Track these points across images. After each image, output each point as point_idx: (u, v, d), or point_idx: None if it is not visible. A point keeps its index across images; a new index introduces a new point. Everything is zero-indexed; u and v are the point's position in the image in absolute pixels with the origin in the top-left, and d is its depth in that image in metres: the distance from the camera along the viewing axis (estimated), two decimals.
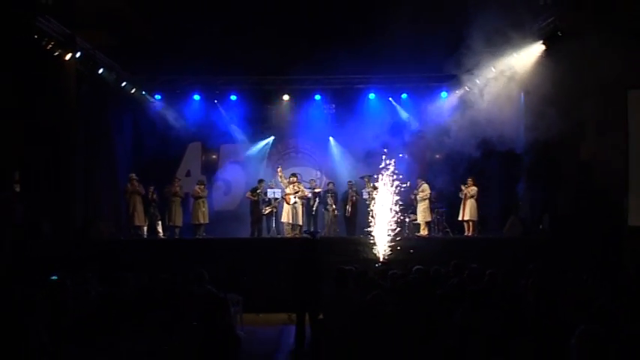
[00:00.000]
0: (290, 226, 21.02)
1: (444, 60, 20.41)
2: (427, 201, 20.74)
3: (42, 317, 7.45)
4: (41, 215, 17.92)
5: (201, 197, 21.53)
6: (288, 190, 21.17)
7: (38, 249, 16.46)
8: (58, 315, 8.22)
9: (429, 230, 20.86)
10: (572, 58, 16.19)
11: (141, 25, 22.34)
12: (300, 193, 21.25)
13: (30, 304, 7.96)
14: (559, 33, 17.49)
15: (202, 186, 21.84)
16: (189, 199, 21.87)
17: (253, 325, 14.90)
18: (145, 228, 21.27)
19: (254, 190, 21.56)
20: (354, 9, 20.27)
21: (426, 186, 20.79)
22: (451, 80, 22.24)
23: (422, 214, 20.68)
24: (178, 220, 21.53)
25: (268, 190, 21.71)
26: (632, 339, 5.37)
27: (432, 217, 20.91)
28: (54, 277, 11.38)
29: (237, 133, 24.24)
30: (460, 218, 20.84)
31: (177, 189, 21.73)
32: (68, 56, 18.47)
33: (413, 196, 20.50)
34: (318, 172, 24.02)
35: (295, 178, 21.61)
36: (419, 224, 20.94)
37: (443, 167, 21.57)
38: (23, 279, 11.21)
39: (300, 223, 21.19)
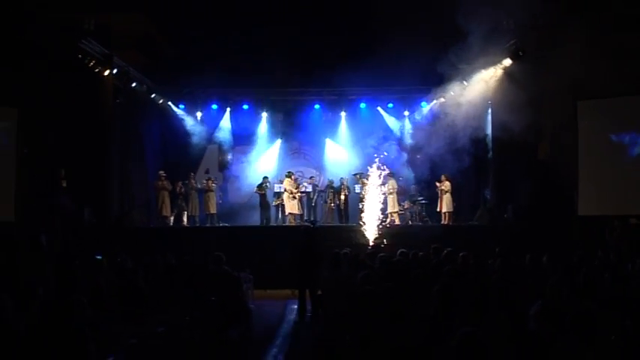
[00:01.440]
0: (293, 217, 21.11)
1: (424, 75, 20.51)
2: (394, 194, 20.81)
3: (85, 292, 7.48)
4: (83, 206, 18.01)
5: (211, 190, 21.63)
6: (288, 187, 21.26)
7: (82, 234, 16.52)
8: (98, 290, 8.25)
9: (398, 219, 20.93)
10: (532, 74, 16.25)
11: (167, 46, 22.41)
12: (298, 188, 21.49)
13: (75, 281, 8.01)
14: (520, 52, 17.54)
15: (210, 181, 21.92)
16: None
17: (262, 299, 14.91)
18: (172, 218, 21.31)
19: (260, 186, 21.61)
20: (349, 33, 20.35)
21: (392, 181, 20.82)
22: (430, 92, 22.24)
23: (389, 205, 20.70)
24: (195, 210, 21.62)
25: (275, 185, 21.80)
26: (578, 310, 5.42)
27: (398, 208, 20.88)
28: (98, 257, 11.44)
29: (249, 137, 24.22)
30: (438, 210, 20.89)
31: (194, 183, 21.82)
32: (106, 72, 18.56)
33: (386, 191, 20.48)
34: (317, 170, 23.98)
35: (294, 176, 21.72)
36: (404, 214, 21.03)
37: (423, 166, 21.59)
38: (70, 260, 11.25)
39: (297, 212, 21.30)
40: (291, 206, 21.13)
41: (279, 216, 21.83)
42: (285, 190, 21.20)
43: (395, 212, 20.73)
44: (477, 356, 4.74)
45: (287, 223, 20.99)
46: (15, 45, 17.12)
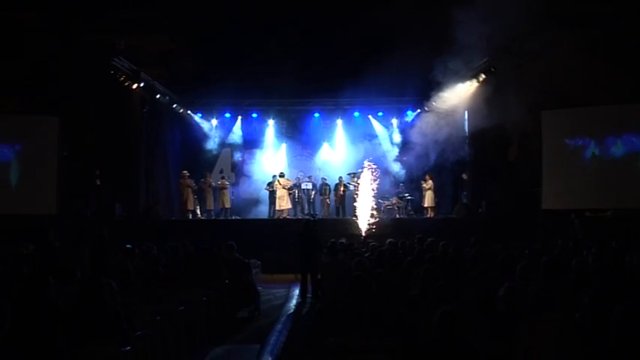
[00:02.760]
0: (283, 212, 21.20)
1: (410, 87, 20.65)
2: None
3: (116, 276, 7.50)
4: (115, 201, 18.08)
5: (224, 187, 21.67)
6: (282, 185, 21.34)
7: (114, 226, 16.54)
8: (128, 273, 8.26)
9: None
10: (502, 87, 16.26)
11: (187, 63, 22.46)
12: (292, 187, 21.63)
13: (108, 266, 8.03)
14: (492, 69, 17.56)
15: (223, 180, 21.99)
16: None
17: (269, 282, 14.92)
18: (192, 212, 21.35)
19: (270, 183, 21.63)
20: (345, 52, 20.43)
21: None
22: (414, 102, 22.40)
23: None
24: (211, 205, 21.66)
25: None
26: (542, 290, 5.46)
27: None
28: (128, 246, 11.47)
29: (257, 141, 24.27)
30: (422, 204, 20.93)
31: (210, 181, 21.88)
32: (135, 86, 18.56)
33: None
34: (316, 170, 23.92)
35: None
36: (391, 208, 21.08)
37: (408, 166, 21.62)
38: (104, 248, 11.27)
39: (287, 207, 21.29)
40: (281, 203, 21.13)
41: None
42: (280, 188, 21.26)
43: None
44: (454, 331, 4.78)
45: (290, 216, 21.09)
46: (56, 64, 17.28)
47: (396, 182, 22.00)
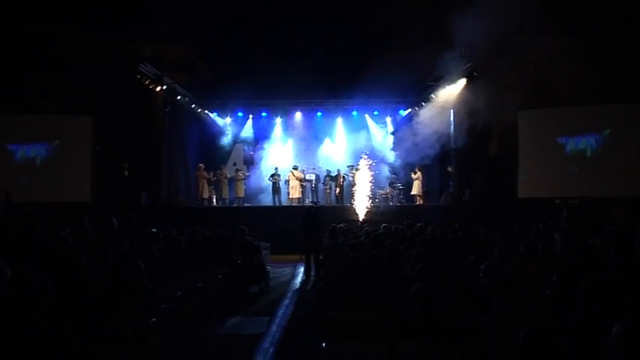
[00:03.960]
0: (293, 200, 21.32)
1: (402, 90, 20.67)
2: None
3: (143, 257, 7.54)
4: (141, 191, 18.18)
5: (240, 179, 21.77)
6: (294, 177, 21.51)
7: (141, 213, 16.60)
8: (152, 255, 8.31)
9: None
10: (484, 89, 16.25)
11: (204, 68, 22.48)
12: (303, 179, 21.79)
13: (135, 248, 8.08)
14: (475, 73, 17.55)
15: (239, 172, 22.13)
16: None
17: (277, 262, 14.94)
18: (207, 200, 21.42)
19: (273, 175, 21.70)
20: (343, 58, 20.45)
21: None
22: (406, 102, 22.41)
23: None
24: (226, 194, 21.75)
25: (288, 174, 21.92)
26: (517, 269, 5.51)
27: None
28: (153, 230, 11.53)
29: (266, 137, 24.31)
30: (412, 193, 20.94)
31: (225, 173, 21.96)
32: (158, 89, 18.61)
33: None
34: (318, 163, 23.93)
35: (299, 169, 21.98)
36: (386, 196, 21.13)
37: (400, 159, 21.63)
38: (132, 232, 11.33)
39: (297, 197, 21.46)
40: (293, 192, 21.35)
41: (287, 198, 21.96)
42: (293, 179, 21.38)
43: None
44: (429, 305, 4.84)
45: (286, 203, 21.31)
46: (90, 70, 17.43)
47: (390, 173, 22.05)
